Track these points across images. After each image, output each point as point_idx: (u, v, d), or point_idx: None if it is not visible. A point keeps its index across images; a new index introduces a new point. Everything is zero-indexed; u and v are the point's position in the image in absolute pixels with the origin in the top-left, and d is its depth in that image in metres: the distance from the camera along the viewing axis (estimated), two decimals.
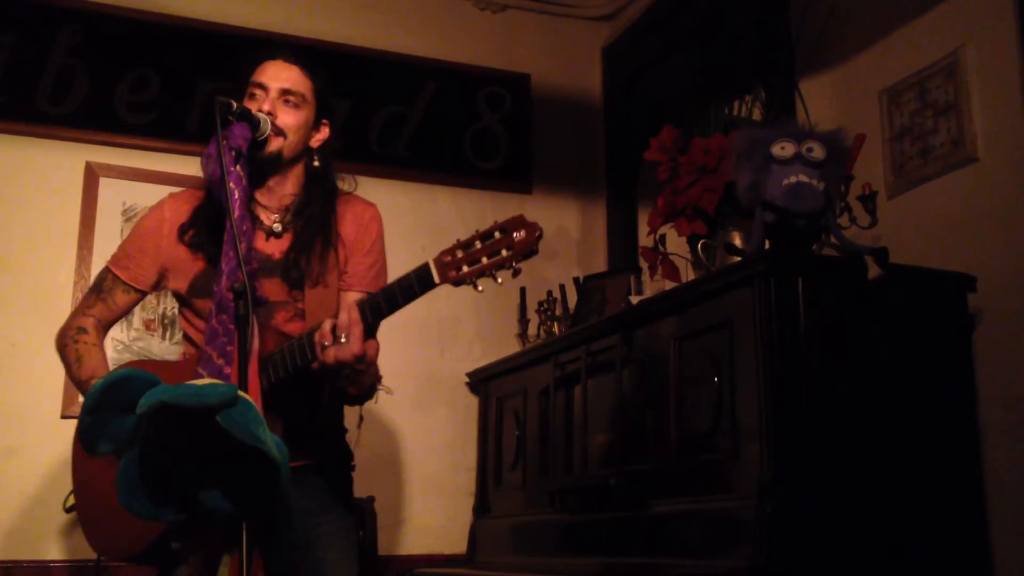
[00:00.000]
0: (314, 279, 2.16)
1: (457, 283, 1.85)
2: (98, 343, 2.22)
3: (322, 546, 2.14)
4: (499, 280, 1.83)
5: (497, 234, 1.82)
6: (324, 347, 1.90)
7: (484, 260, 1.82)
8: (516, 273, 1.82)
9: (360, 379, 1.97)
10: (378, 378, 2.06)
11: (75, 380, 2.20)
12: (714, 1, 3.51)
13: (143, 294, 2.27)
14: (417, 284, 1.88)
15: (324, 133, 2.27)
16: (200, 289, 2.16)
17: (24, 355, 3.22)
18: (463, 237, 1.86)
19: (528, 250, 1.80)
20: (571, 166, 4.06)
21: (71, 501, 2.16)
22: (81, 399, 2.20)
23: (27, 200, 3.33)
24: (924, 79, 2.62)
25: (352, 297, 2.12)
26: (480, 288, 1.85)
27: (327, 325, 1.90)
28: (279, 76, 2.19)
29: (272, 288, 2.14)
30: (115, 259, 2.27)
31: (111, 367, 2.19)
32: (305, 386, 2.06)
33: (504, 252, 1.80)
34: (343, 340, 1.88)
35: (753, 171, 2.30)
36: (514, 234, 1.80)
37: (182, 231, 2.20)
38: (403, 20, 3.92)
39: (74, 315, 2.28)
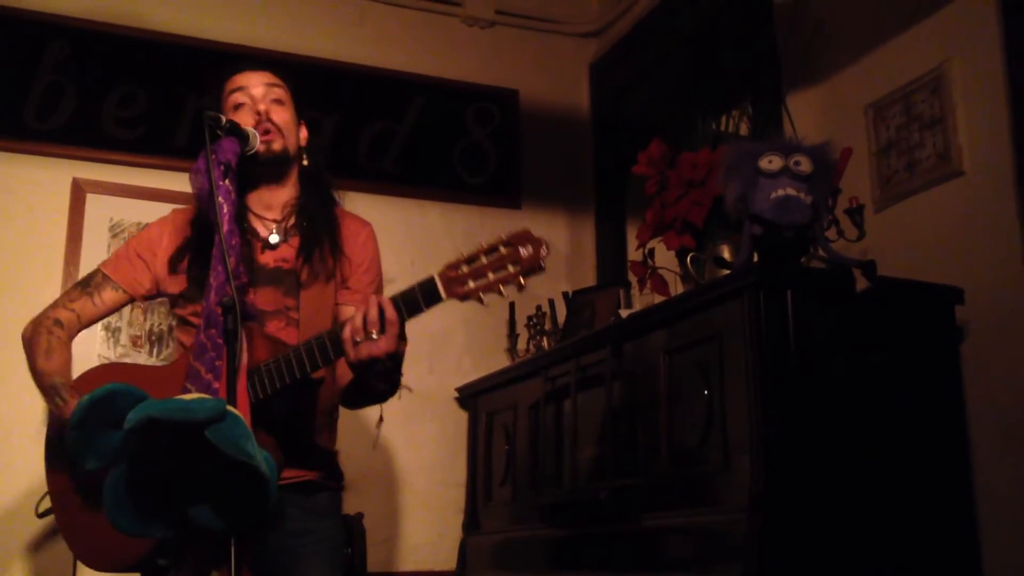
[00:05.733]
0: (315, 277, 2.15)
1: (463, 299, 1.80)
2: (68, 342, 2.17)
3: (306, 566, 2.10)
4: (503, 294, 1.78)
5: (503, 249, 1.76)
6: (356, 343, 1.83)
7: (490, 276, 1.77)
8: (521, 289, 1.77)
9: (392, 375, 1.93)
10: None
11: (35, 369, 2.13)
12: (701, 17, 3.54)
13: (130, 298, 2.23)
14: (423, 299, 1.82)
15: (304, 132, 2.29)
16: (196, 295, 2.12)
17: (8, 371, 3.18)
18: (465, 252, 1.80)
19: (535, 266, 1.75)
20: (559, 181, 4.07)
21: (44, 506, 2.13)
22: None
23: (13, 216, 3.32)
24: (909, 93, 2.63)
25: (349, 311, 2.06)
26: (485, 303, 1.80)
27: (358, 320, 1.83)
28: (260, 80, 2.21)
29: (265, 297, 2.13)
30: (108, 262, 2.26)
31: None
32: (300, 397, 2.04)
33: (510, 268, 1.75)
34: (374, 336, 1.82)
35: (741, 184, 2.31)
36: (520, 249, 1.75)
37: (172, 264, 2.19)
38: (391, 36, 3.93)
39: (53, 306, 2.21)
